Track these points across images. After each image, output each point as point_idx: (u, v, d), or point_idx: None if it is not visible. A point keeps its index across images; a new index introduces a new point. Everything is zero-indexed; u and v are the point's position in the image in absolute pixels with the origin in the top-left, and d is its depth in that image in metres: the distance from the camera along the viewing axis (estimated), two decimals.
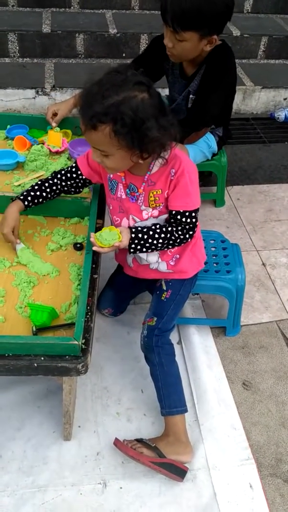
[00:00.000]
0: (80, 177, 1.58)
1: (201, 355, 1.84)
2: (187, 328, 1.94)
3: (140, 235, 1.44)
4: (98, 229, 1.60)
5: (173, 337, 1.89)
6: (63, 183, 1.59)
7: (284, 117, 3.34)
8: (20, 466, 1.50)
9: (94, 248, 1.42)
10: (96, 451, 1.55)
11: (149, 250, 1.48)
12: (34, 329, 1.33)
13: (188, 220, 1.45)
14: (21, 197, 1.56)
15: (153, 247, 1.46)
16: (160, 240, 1.45)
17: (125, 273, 1.71)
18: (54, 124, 2.03)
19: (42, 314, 1.33)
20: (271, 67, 3.69)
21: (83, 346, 1.26)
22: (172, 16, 1.73)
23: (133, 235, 1.44)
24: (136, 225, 1.50)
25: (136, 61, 2.16)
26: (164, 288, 1.63)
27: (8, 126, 2.09)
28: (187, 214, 1.44)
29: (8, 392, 1.67)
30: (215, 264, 1.86)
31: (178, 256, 1.58)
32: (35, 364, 1.24)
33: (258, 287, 2.17)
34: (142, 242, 1.44)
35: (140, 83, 1.24)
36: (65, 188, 1.60)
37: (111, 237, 1.41)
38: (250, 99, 3.43)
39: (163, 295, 1.62)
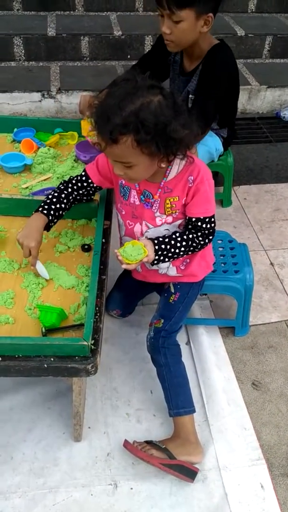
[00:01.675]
0: (91, 185, 1.56)
1: (210, 356, 1.83)
2: (196, 328, 1.93)
3: (163, 246, 1.42)
4: (105, 230, 1.61)
5: (182, 337, 1.90)
6: (75, 193, 1.56)
7: None
8: (31, 468, 1.50)
9: (123, 266, 1.39)
10: (107, 452, 1.55)
11: (171, 260, 1.48)
12: (43, 330, 1.33)
13: (208, 226, 1.45)
14: (45, 212, 1.49)
15: (175, 256, 1.46)
16: (182, 248, 1.45)
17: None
18: (88, 114, 1.94)
19: (51, 315, 1.34)
20: (276, 67, 3.68)
21: (93, 347, 1.27)
22: None
23: (156, 247, 1.42)
24: (149, 232, 1.49)
25: (142, 60, 2.17)
26: (172, 290, 1.63)
27: (15, 129, 2.10)
28: (207, 220, 1.44)
29: (18, 394, 1.67)
30: (223, 264, 1.86)
31: (188, 260, 1.57)
32: (45, 365, 1.24)
33: (266, 287, 2.16)
34: (165, 252, 1.43)
35: (153, 86, 1.23)
36: (78, 198, 1.58)
37: (136, 252, 1.38)
38: (256, 99, 3.42)
39: (171, 297, 1.62)
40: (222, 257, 1.89)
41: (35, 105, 3.18)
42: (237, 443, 1.59)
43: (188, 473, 1.47)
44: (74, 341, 1.25)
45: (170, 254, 1.44)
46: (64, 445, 1.56)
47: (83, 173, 1.56)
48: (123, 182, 1.47)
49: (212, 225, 1.47)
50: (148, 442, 1.52)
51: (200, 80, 1.97)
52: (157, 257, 1.42)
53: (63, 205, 1.54)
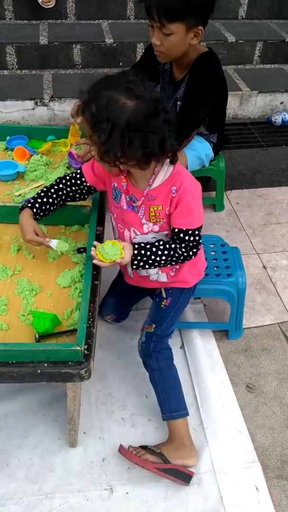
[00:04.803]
0: (85, 184, 1.57)
1: (204, 359, 1.85)
2: (190, 332, 1.95)
3: (143, 252, 1.42)
4: (98, 236, 1.62)
5: (176, 341, 1.91)
6: (68, 189, 1.58)
7: (281, 120, 3.36)
8: (27, 474, 1.51)
9: (94, 262, 1.40)
10: (102, 457, 1.56)
11: (152, 267, 1.47)
12: (37, 336, 1.34)
13: (192, 238, 1.44)
14: (29, 205, 1.54)
15: (156, 263, 1.45)
16: (163, 257, 1.44)
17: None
18: (78, 120, 1.97)
19: (45, 321, 1.35)
20: (267, 72, 3.71)
21: (86, 352, 1.27)
22: (157, 9, 1.74)
23: (135, 252, 1.42)
24: (137, 238, 1.50)
25: (132, 69, 2.19)
26: (164, 295, 1.64)
27: (8, 137, 2.12)
28: (190, 232, 1.43)
29: (13, 400, 1.68)
30: (215, 268, 1.87)
31: (177, 267, 1.58)
32: (39, 371, 1.25)
33: (259, 290, 2.18)
34: (145, 258, 1.43)
35: (128, 89, 1.23)
36: (70, 194, 1.59)
37: (113, 252, 1.39)
38: (247, 104, 3.45)
39: (163, 302, 1.63)
40: (214, 261, 1.91)
41: (28, 113, 3.20)
42: (232, 446, 1.60)
43: (183, 477, 1.48)
44: (67, 346, 1.25)
45: (150, 261, 1.43)
46: (59, 451, 1.56)
47: (78, 171, 1.58)
48: (115, 184, 1.49)
49: (197, 238, 1.44)
50: (143, 447, 1.52)
51: (187, 88, 2.00)
52: (136, 262, 1.43)
53: (50, 200, 1.56)
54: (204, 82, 1.95)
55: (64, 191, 1.58)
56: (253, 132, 3.34)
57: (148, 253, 1.42)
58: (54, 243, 1.53)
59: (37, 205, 1.54)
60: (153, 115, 1.23)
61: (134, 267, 1.44)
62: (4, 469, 1.52)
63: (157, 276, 1.59)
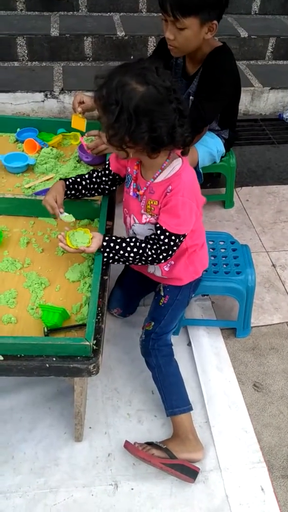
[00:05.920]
0: (111, 172, 1.61)
1: (211, 357, 1.84)
2: (197, 329, 1.93)
3: (112, 245, 1.44)
4: (107, 230, 1.62)
5: (183, 338, 1.90)
6: (99, 180, 1.63)
7: None
8: (32, 467, 1.51)
9: (60, 245, 1.45)
10: (107, 452, 1.55)
11: (121, 262, 1.48)
12: (45, 330, 1.33)
13: (166, 240, 1.42)
14: (63, 179, 1.62)
15: (124, 259, 1.46)
16: (132, 254, 1.44)
17: (132, 273, 1.75)
18: (79, 109, 1.99)
19: (54, 315, 1.34)
20: (279, 68, 3.68)
21: (94, 347, 1.27)
22: (172, 3, 1.73)
23: (104, 243, 1.44)
24: (135, 227, 1.52)
25: (149, 59, 2.17)
26: (162, 293, 1.64)
27: (18, 129, 2.10)
28: (167, 233, 1.41)
29: (19, 394, 1.67)
30: (224, 265, 1.86)
31: (173, 262, 1.57)
32: (47, 365, 1.25)
33: (268, 288, 2.16)
34: (114, 251, 1.44)
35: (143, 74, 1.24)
36: (101, 186, 1.63)
37: (82, 240, 1.44)
38: (259, 100, 3.42)
39: (161, 300, 1.63)
40: (224, 258, 1.89)
41: (38, 105, 3.19)
42: (238, 445, 1.59)
43: (189, 472, 1.47)
44: (76, 341, 1.25)
45: (119, 255, 1.45)
46: (65, 445, 1.56)
47: (107, 162, 1.62)
48: (129, 169, 1.51)
49: (171, 243, 1.42)
50: (149, 443, 1.52)
51: (200, 82, 1.98)
52: (105, 254, 1.45)
53: (83, 182, 1.62)
54: (217, 77, 1.93)
55: (98, 179, 1.63)
56: (264, 128, 3.32)
57: (117, 247, 1.44)
58: (64, 214, 1.56)
59: (70, 180, 1.61)
60: (163, 102, 1.24)
61: (105, 259, 1.46)
62: (9, 462, 1.52)
63: (154, 269, 1.60)
